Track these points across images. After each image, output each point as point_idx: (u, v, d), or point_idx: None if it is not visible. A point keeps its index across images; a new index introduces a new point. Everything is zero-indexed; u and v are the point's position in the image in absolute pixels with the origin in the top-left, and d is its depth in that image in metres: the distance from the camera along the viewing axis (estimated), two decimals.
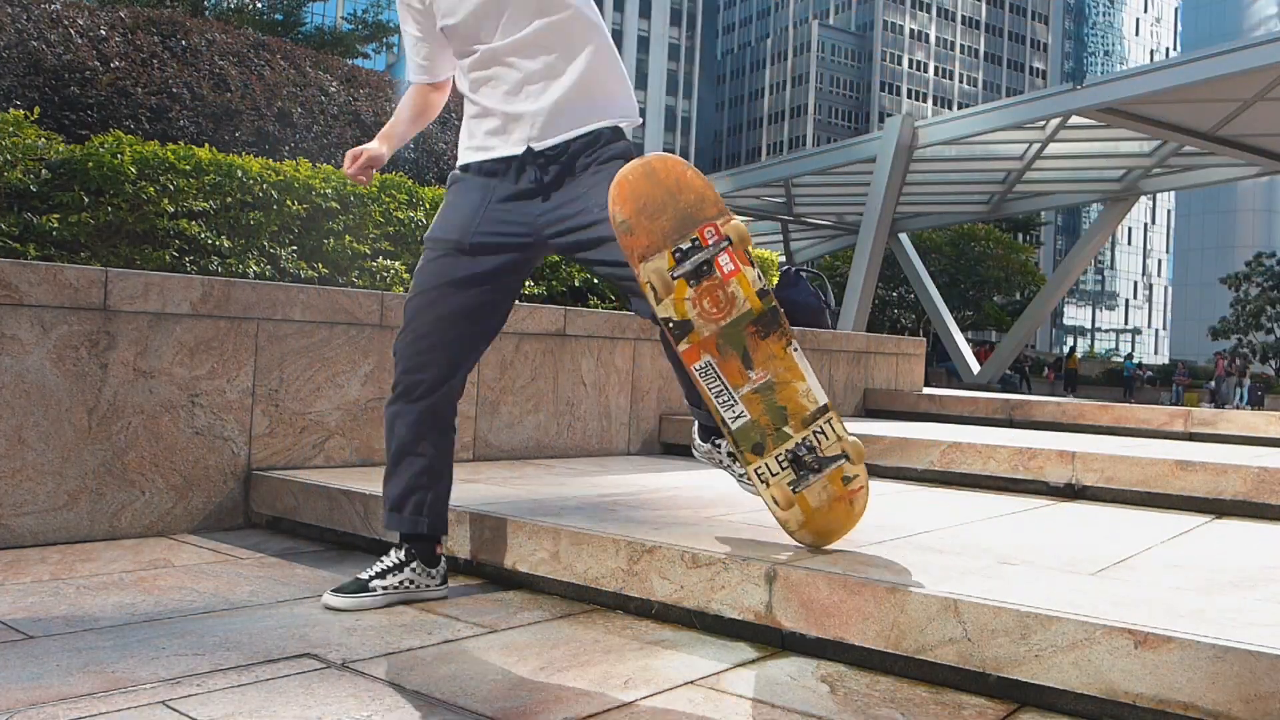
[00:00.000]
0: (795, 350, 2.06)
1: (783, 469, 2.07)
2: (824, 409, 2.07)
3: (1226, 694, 1.53)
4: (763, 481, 2.09)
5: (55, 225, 3.00)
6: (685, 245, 2.01)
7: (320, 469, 3.16)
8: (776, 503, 2.10)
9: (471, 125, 2.28)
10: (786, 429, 2.06)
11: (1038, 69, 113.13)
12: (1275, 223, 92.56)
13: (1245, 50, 14.43)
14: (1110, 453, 3.42)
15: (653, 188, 2.01)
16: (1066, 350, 41.22)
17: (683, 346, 2.05)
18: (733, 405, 2.06)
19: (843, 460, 2.08)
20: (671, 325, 2.04)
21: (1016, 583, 1.94)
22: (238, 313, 2.99)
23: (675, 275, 2.01)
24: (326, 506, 2.83)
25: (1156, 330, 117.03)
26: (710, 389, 2.06)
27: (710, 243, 2.01)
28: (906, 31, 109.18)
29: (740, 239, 2.02)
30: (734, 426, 2.07)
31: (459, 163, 2.32)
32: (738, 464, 2.28)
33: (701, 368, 2.05)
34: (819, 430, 2.06)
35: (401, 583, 2.23)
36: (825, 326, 6.31)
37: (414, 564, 2.24)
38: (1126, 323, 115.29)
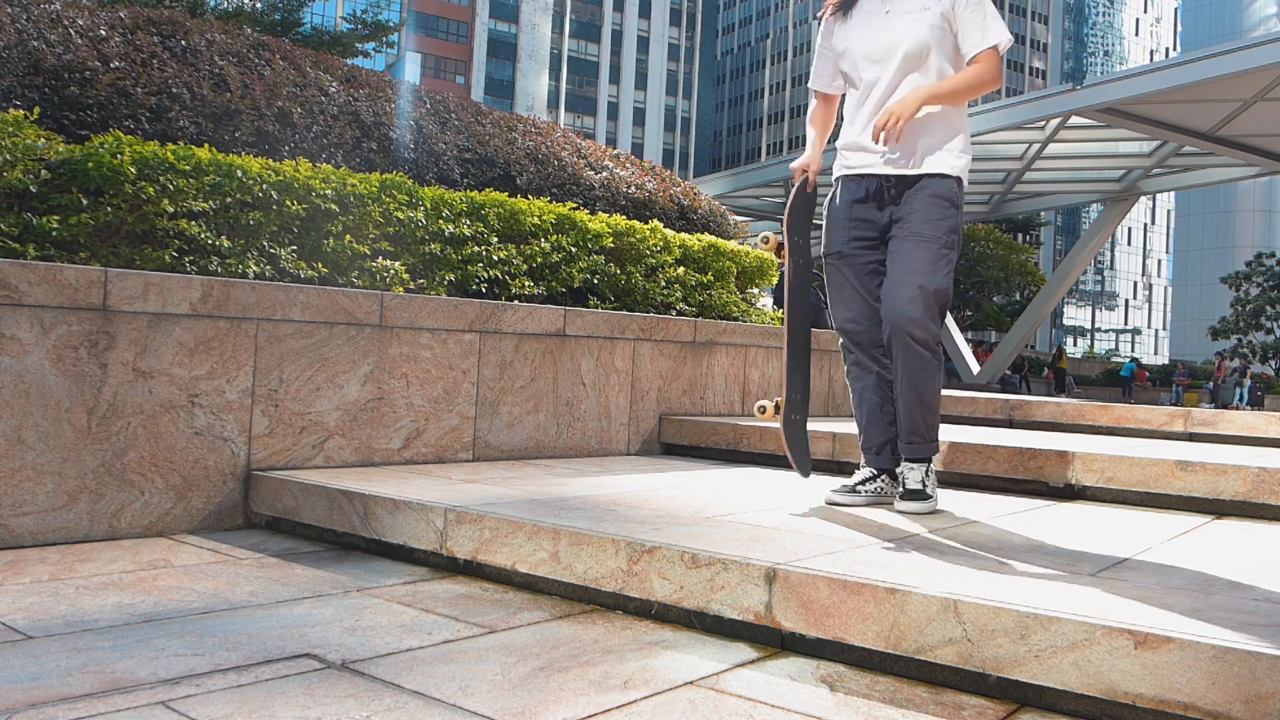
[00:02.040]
0: None
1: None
2: None
3: (1226, 694, 1.53)
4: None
5: (55, 226, 3.00)
6: None
7: (320, 469, 3.16)
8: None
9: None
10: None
11: (1038, 69, 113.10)
12: (1275, 223, 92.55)
13: (1245, 50, 14.42)
14: (1110, 453, 3.42)
15: None
16: (1053, 351, 41.06)
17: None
18: None
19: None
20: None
21: (1016, 583, 1.94)
22: (237, 313, 2.99)
23: None
24: (326, 507, 2.83)
25: (1156, 330, 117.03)
26: None
27: None
28: None
29: None
30: None
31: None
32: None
33: None
34: None
35: (877, 489, 3.01)
36: (825, 327, 6.31)
37: (883, 477, 3.03)
38: (1126, 323, 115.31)
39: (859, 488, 3.01)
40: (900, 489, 2.95)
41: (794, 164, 3.11)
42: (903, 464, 2.96)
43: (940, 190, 2.87)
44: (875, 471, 3.04)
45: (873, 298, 2.96)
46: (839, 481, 3.20)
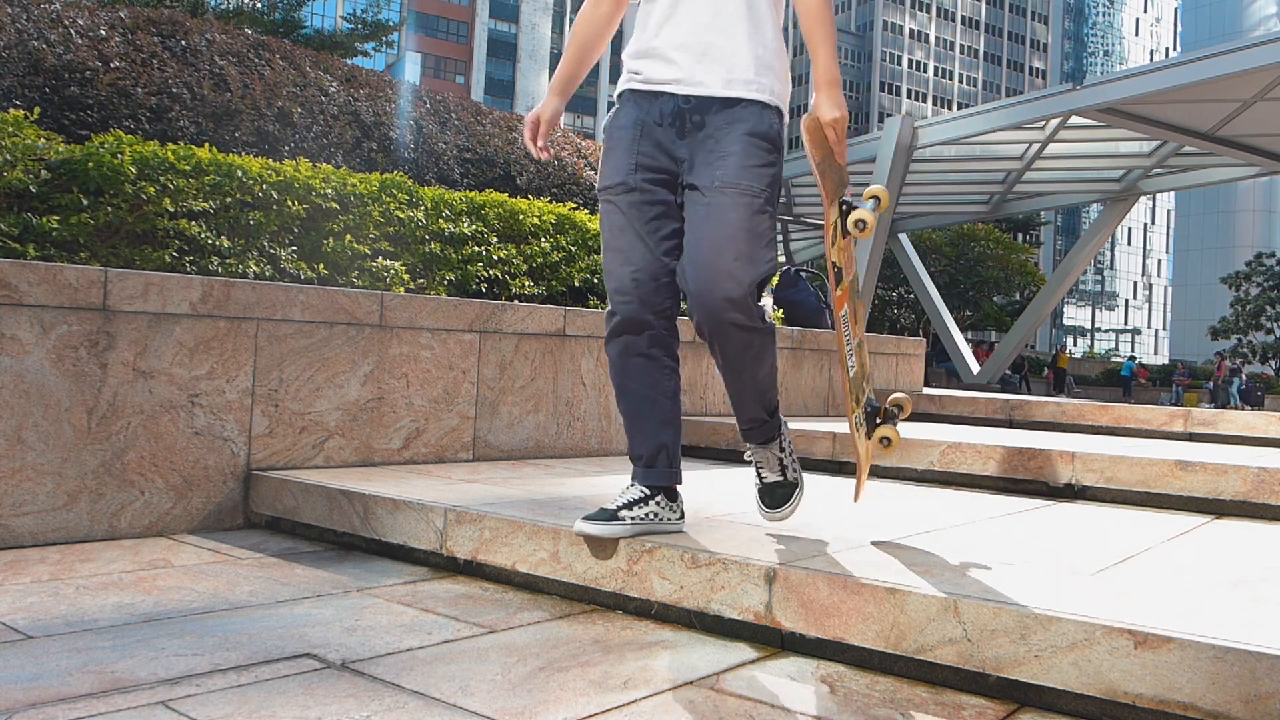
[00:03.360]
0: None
1: (862, 420, 2.33)
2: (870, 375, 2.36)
3: (1226, 694, 1.53)
4: (857, 428, 2.32)
5: (55, 225, 3.00)
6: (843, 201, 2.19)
7: (320, 469, 3.16)
8: (857, 445, 2.33)
9: None
10: (865, 384, 2.30)
11: (1038, 69, 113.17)
12: (1275, 223, 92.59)
13: (1245, 50, 14.41)
14: (1110, 453, 3.42)
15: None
16: (1054, 351, 41.12)
17: (837, 291, 2.22)
18: (851, 355, 2.27)
19: (890, 421, 2.34)
20: (836, 268, 2.20)
21: (1016, 583, 1.94)
22: (237, 313, 2.99)
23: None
24: (326, 507, 2.83)
25: (1156, 330, 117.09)
26: (845, 337, 2.26)
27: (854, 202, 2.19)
28: (906, 31, 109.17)
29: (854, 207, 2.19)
30: (851, 375, 2.28)
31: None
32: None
33: (844, 315, 2.23)
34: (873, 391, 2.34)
35: (648, 514, 2.26)
36: (825, 327, 6.31)
37: (659, 498, 2.29)
38: (1126, 323, 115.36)
39: (621, 513, 2.23)
40: (758, 483, 2.42)
41: (529, 115, 2.36)
42: (752, 451, 2.41)
43: (761, 127, 2.19)
44: (647, 491, 2.29)
45: (660, 251, 2.22)
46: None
